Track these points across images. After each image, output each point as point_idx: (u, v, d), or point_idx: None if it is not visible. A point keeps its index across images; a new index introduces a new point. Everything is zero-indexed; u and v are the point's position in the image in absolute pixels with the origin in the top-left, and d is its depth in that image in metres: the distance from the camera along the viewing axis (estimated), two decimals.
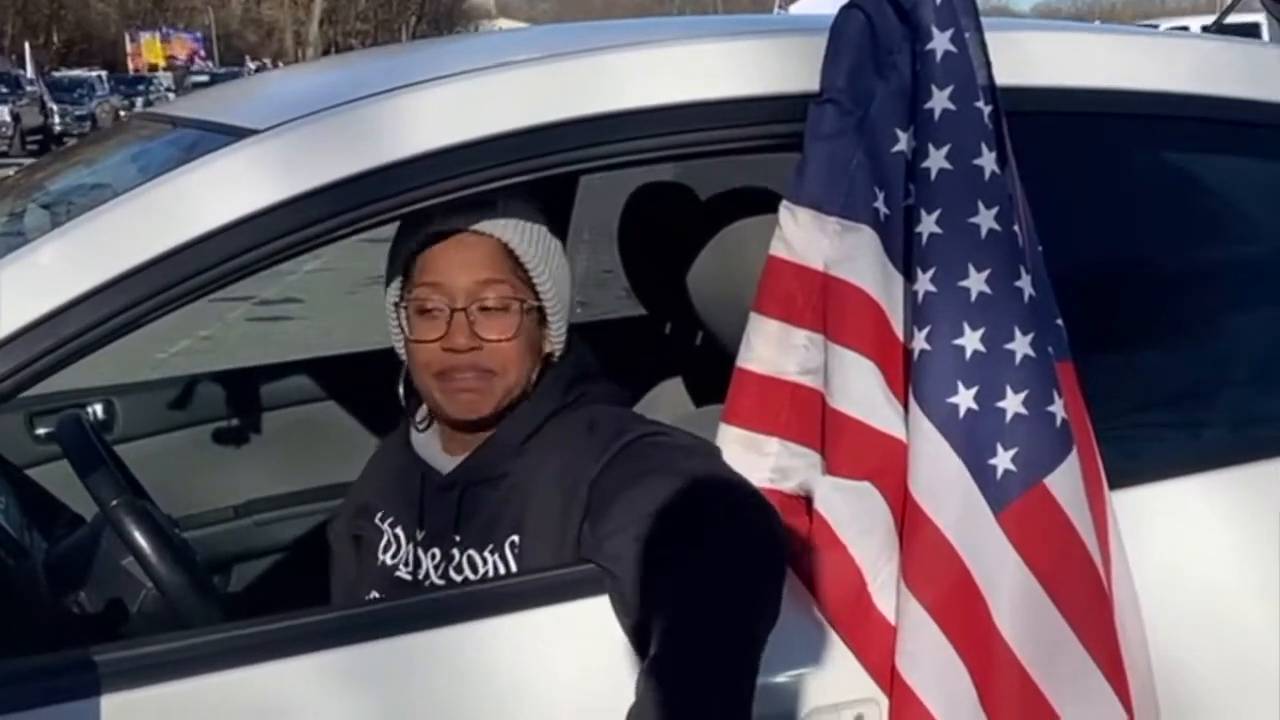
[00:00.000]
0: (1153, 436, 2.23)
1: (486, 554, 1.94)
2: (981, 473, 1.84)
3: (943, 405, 1.84)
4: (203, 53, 65.42)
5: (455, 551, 1.97)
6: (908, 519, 1.86)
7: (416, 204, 1.83)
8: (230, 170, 1.79)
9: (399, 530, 2.06)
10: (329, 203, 1.77)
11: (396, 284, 2.02)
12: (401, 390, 2.06)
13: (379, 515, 2.10)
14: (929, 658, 1.84)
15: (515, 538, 1.93)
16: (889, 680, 1.87)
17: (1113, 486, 1.99)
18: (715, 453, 1.92)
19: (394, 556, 2.05)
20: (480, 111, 1.87)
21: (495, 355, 1.96)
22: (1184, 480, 2.11)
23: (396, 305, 2.02)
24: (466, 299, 1.95)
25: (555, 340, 2.04)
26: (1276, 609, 2.09)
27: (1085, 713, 1.89)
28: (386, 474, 2.16)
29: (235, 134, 1.86)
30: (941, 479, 1.85)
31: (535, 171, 1.87)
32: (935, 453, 1.84)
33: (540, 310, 2.01)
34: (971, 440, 1.84)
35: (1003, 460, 1.85)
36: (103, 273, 1.69)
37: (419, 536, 2.02)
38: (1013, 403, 1.85)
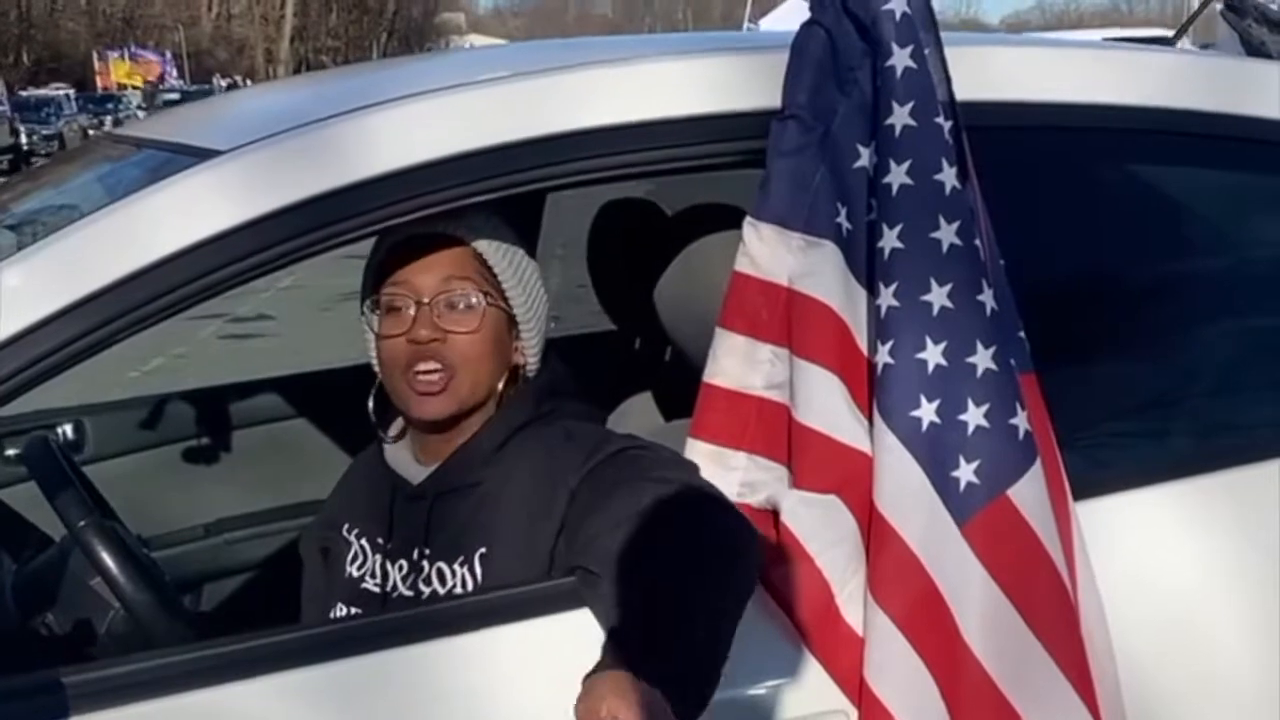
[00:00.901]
0: (1117, 446, 2.24)
1: (456, 566, 1.94)
2: (944, 485, 1.86)
3: (906, 418, 1.86)
4: (172, 71, 65.23)
5: (425, 563, 1.97)
6: (873, 532, 1.87)
7: (379, 224, 1.84)
8: (193, 192, 1.80)
9: (365, 542, 2.06)
10: (291, 223, 1.78)
11: (370, 288, 2.04)
12: (371, 403, 2.07)
13: (346, 527, 2.10)
14: (897, 669, 1.85)
15: (484, 549, 1.93)
16: (858, 691, 1.88)
17: (1078, 497, 2.00)
18: (694, 467, 1.93)
19: (360, 568, 2.05)
20: (445, 130, 1.88)
21: (458, 349, 1.97)
22: (1149, 490, 2.12)
23: (365, 307, 2.03)
24: (431, 293, 1.96)
25: (529, 354, 2.05)
26: (1242, 617, 2.10)
27: None
28: (357, 486, 2.16)
29: (199, 155, 1.87)
30: (906, 491, 1.86)
31: (499, 190, 1.88)
32: (899, 465, 1.86)
33: (510, 318, 2.02)
34: (934, 453, 1.86)
35: (965, 473, 1.86)
36: (70, 294, 1.69)
37: (387, 548, 2.03)
38: (975, 415, 1.87)
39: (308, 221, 1.79)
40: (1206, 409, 2.34)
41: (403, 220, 1.85)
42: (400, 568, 2.00)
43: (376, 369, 2.05)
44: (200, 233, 1.75)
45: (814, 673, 1.88)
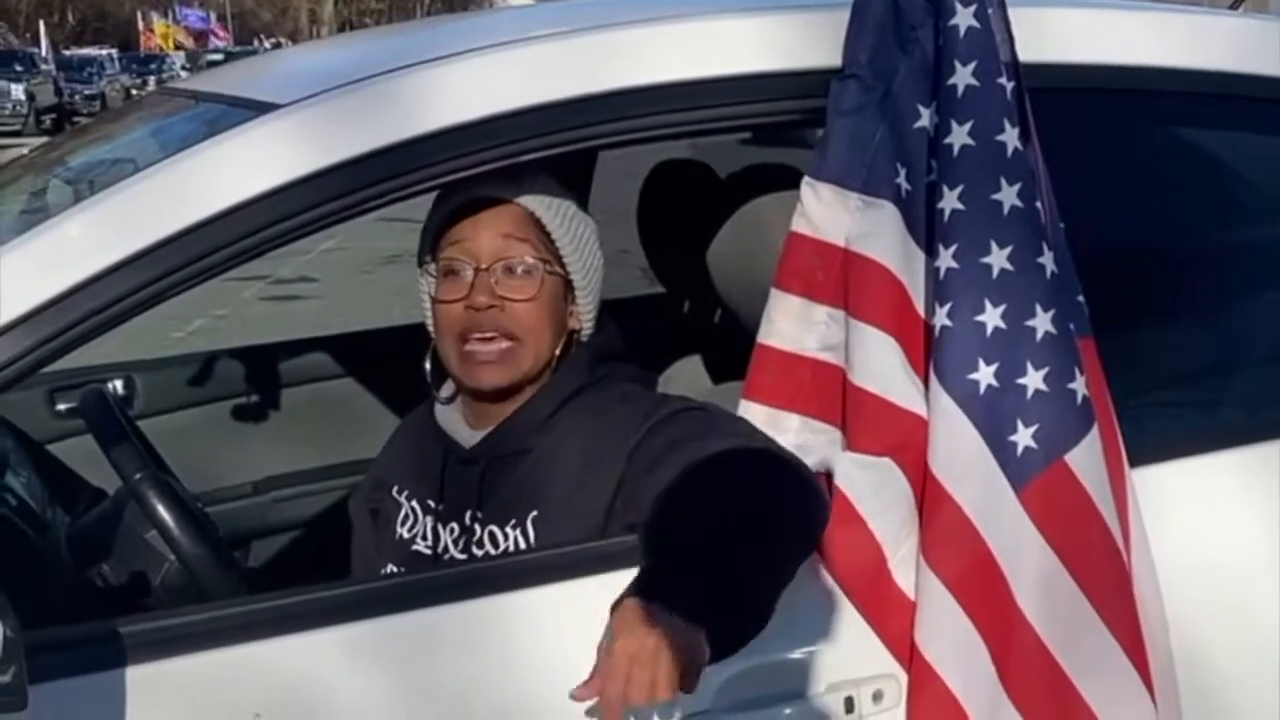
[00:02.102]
0: (1173, 413, 2.23)
1: (509, 529, 1.94)
2: (1002, 449, 1.85)
3: (963, 381, 1.84)
4: (221, 31, 65.24)
5: (476, 526, 1.97)
6: (928, 496, 1.86)
7: (438, 179, 1.83)
8: (253, 145, 1.79)
9: (416, 504, 2.06)
10: (352, 178, 1.77)
11: (427, 250, 2.04)
12: (429, 364, 2.06)
13: (396, 489, 2.10)
14: (948, 634, 1.85)
15: (536, 512, 1.93)
16: (909, 656, 1.87)
17: (1133, 464, 1.99)
18: (753, 425, 1.92)
19: (411, 530, 2.05)
20: (500, 87, 1.86)
21: (516, 318, 1.96)
22: (1204, 458, 2.10)
23: (423, 269, 2.03)
24: (490, 258, 1.96)
25: (585, 318, 2.04)
26: None
27: (1105, 689, 1.90)
28: (408, 448, 2.16)
29: (258, 108, 1.86)
30: (962, 456, 1.85)
31: (558, 146, 1.87)
32: (956, 429, 1.84)
33: (567, 282, 2.01)
34: (992, 417, 1.84)
35: (1023, 437, 1.85)
36: (130, 246, 1.69)
37: (439, 510, 2.03)
38: (1033, 380, 1.85)
39: (368, 176, 1.78)
40: (1264, 377, 2.32)
41: (462, 175, 1.84)
42: (452, 530, 2.00)
43: (431, 331, 2.04)
44: (261, 186, 1.74)
45: (865, 636, 1.87)
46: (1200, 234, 2.29)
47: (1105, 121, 2.18)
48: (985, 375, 1.85)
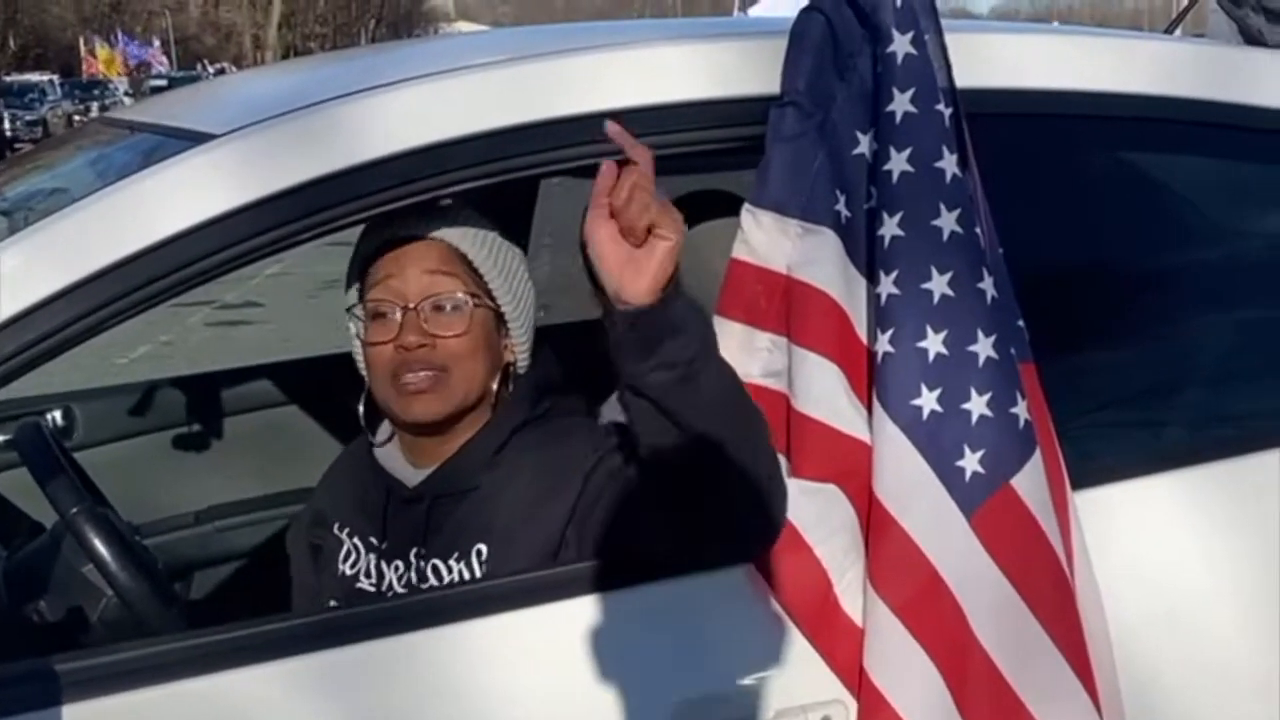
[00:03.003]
0: (1114, 436, 2.24)
1: (452, 562, 1.93)
2: (949, 475, 1.85)
3: (907, 408, 1.85)
4: (162, 59, 64.82)
5: (421, 563, 1.96)
6: (873, 522, 1.86)
7: (377, 208, 1.82)
8: (188, 175, 1.78)
9: (359, 541, 2.04)
10: (288, 208, 1.76)
11: (354, 293, 2.01)
12: (361, 409, 2.05)
13: (337, 526, 2.08)
14: (897, 659, 1.85)
15: (482, 546, 1.92)
16: (856, 681, 1.87)
17: (1075, 486, 2.00)
18: None
19: (354, 567, 2.04)
20: (441, 115, 1.86)
21: (446, 353, 1.94)
22: (1145, 480, 2.11)
23: (351, 312, 2.01)
24: (417, 297, 1.94)
25: (519, 349, 2.03)
26: (1238, 607, 2.11)
27: (1057, 711, 1.91)
28: (347, 485, 2.14)
29: (193, 139, 1.85)
30: (908, 482, 1.85)
31: (496, 175, 1.87)
32: (901, 456, 1.85)
33: (498, 315, 2.00)
34: (937, 443, 1.85)
35: (970, 462, 1.86)
36: (66, 277, 1.68)
37: (382, 548, 2.01)
38: (977, 405, 1.86)
39: (308, 204, 1.77)
40: (1203, 399, 2.34)
41: (401, 204, 1.83)
42: (396, 568, 1.99)
43: (364, 374, 2.03)
44: (199, 215, 1.73)
45: (812, 663, 1.87)
46: (1137, 256, 2.31)
47: (1041, 146, 2.20)
48: (928, 401, 1.85)
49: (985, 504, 1.86)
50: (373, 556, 2.02)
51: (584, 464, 1.90)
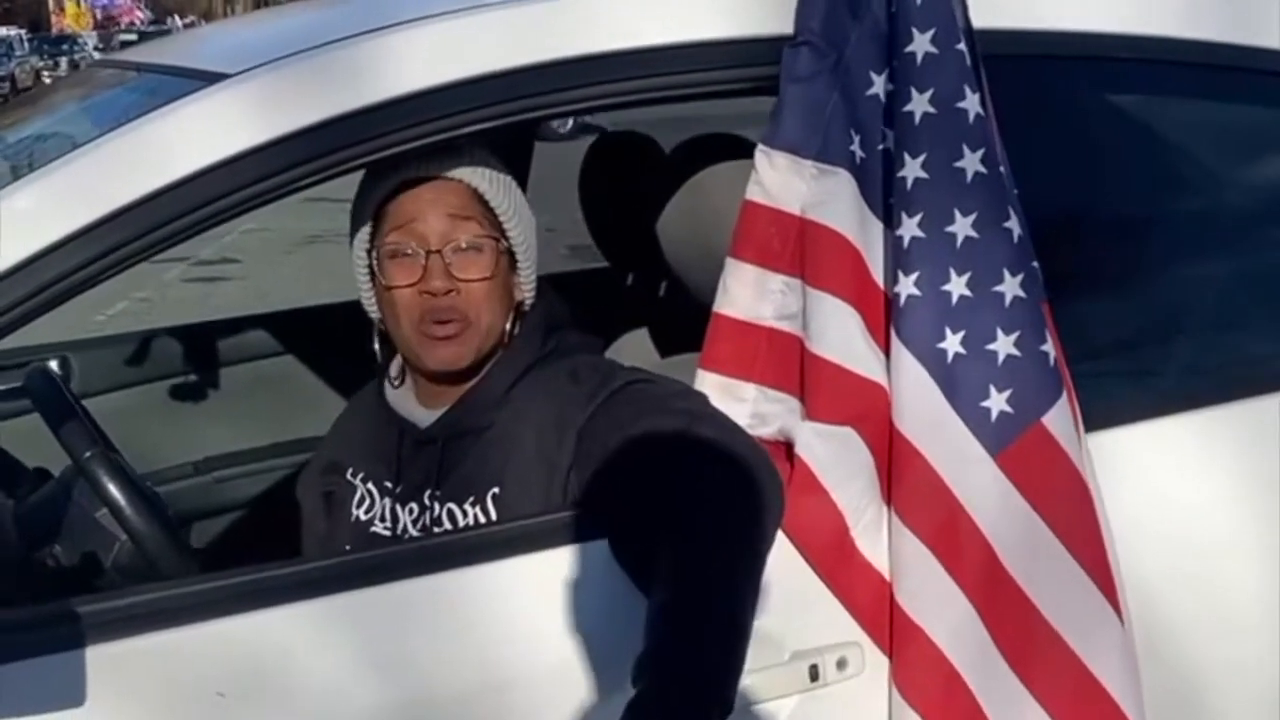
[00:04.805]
0: (1123, 379, 2.24)
1: (467, 506, 1.92)
2: (974, 415, 1.85)
3: (931, 350, 1.85)
4: (137, 14, 64.15)
5: (435, 505, 1.95)
6: (896, 456, 1.86)
7: (398, 146, 1.80)
8: (208, 114, 1.76)
9: (372, 485, 2.04)
10: (310, 146, 1.75)
11: (365, 233, 1.99)
12: (376, 345, 2.04)
13: (350, 471, 2.08)
14: (929, 589, 1.86)
15: (496, 489, 1.91)
16: (873, 623, 1.88)
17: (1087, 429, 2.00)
18: (703, 397, 1.91)
19: (368, 512, 2.03)
20: (462, 53, 1.84)
21: (473, 299, 1.93)
22: (1152, 423, 2.12)
23: (367, 253, 1.99)
24: (440, 240, 1.92)
25: (526, 288, 2.02)
26: (1245, 549, 2.11)
27: (1091, 639, 1.92)
28: (358, 429, 2.13)
29: (207, 78, 1.83)
30: (931, 423, 1.85)
31: (518, 114, 1.86)
32: (926, 397, 1.85)
33: (511, 255, 1.99)
34: (961, 384, 1.85)
35: (997, 402, 1.86)
36: (81, 218, 1.66)
37: (396, 491, 2.00)
38: (1004, 345, 1.86)
39: (329, 142, 1.75)
40: (1210, 343, 2.34)
41: (424, 143, 1.81)
42: (410, 511, 1.98)
43: (374, 315, 2.01)
44: (219, 154, 1.71)
45: (829, 604, 1.87)
46: (1147, 203, 2.30)
47: (1049, 88, 2.19)
48: (953, 343, 1.85)
49: (1016, 442, 1.86)
50: (387, 500, 2.01)
51: (576, 422, 1.88)
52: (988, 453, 1.85)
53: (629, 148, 2.85)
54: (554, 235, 2.95)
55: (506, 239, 1.98)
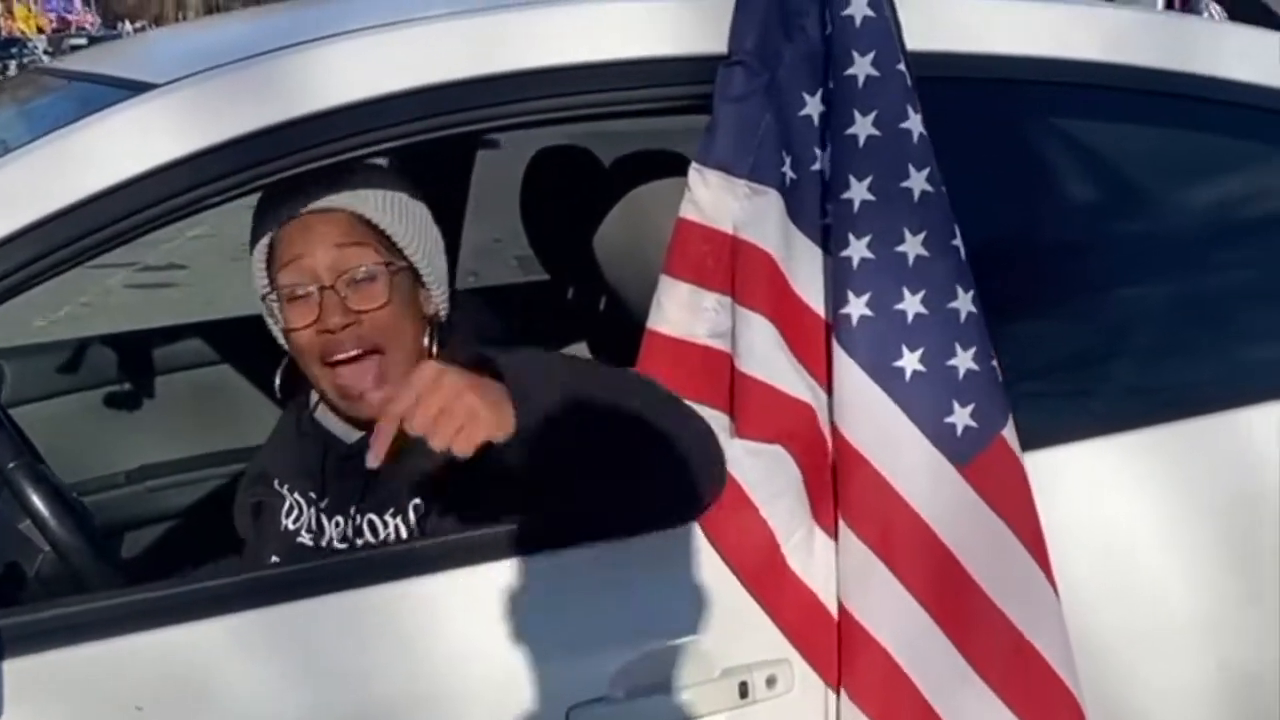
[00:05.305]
0: (1057, 400, 2.25)
1: (388, 517, 1.92)
2: (938, 431, 1.87)
3: (887, 369, 1.86)
4: (89, 19, 63.61)
5: (358, 517, 1.94)
6: (842, 465, 1.87)
7: (322, 160, 1.79)
8: (130, 124, 1.75)
9: (299, 497, 2.03)
10: (233, 158, 1.73)
11: (262, 275, 1.97)
12: (278, 380, 2.02)
13: (278, 482, 2.07)
14: (880, 596, 1.87)
15: (418, 501, 1.91)
16: (803, 640, 1.88)
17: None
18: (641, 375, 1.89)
19: (296, 522, 2.03)
20: (390, 67, 1.84)
21: (376, 327, 1.91)
22: (1082, 444, 2.13)
23: (264, 299, 1.97)
24: (331, 274, 1.90)
25: (439, 300, 2.01)
26: (1175, 568, 2.13)
27: (1058, 645, 1.93)
28: (287, 442, 2.13)
29: (134, 88, 1.82)
30: (885, 438, 1.86)
31: (443, 129, 1.85)
32: (881, 415, 1.86)
33: (413, 271, 1.97)
34: (921, 401, 1.86)
35: (961, 417, 1.87)
36: (4, 227, 1.64)
37: (323, 505, 2.00)
38: (963, 360, 1.88)
39: (253, 154, 1.74)
40: (1143, 365, 2.36)
41: (348, 156, 1.80)
42: (336, 524, 1.97)
43: (287, 350, 1.99)
44: (141, 165, 1.70)
45: (759, 621, 1.87)
46: (1082, 224, 2.32)
47: (984, 110, 2.20)
48: (910, 361, 1.86)
49: (981, 454, 1.88)
50: (313, 511, 2.01)
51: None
52: (953, 465, 1.87)
53: (568, 161, 2.85)
54: (501, 245, 2.96)
55: (405, 259, 1.96)
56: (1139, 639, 2.10)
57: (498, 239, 2.88)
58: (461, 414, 1.56)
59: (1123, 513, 2.11)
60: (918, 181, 1.87)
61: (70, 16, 62.07)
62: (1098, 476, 2.11)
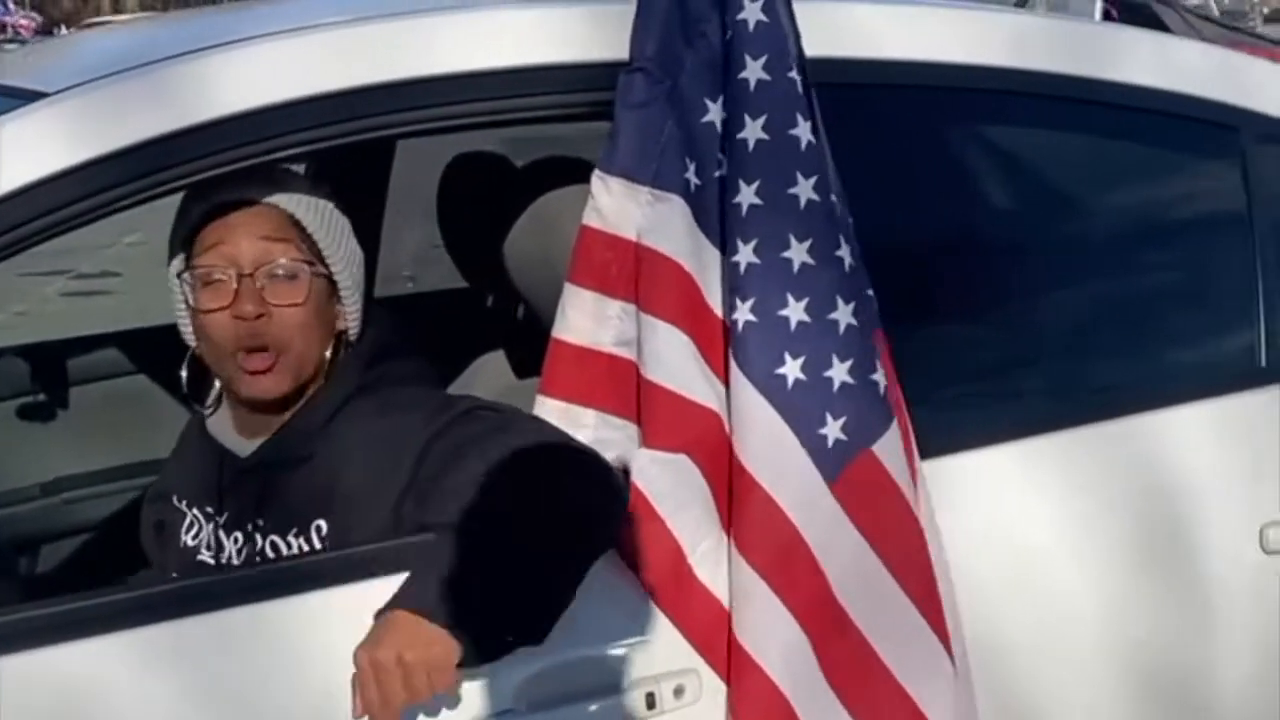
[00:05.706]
0: (967, 405, 2.26)
1: (290, 538, 1.89)
2: (813, 442, 1.86)
3: (770, 376, 1.85)
4: (23, 22, 62.94)
5: (258, 536, 1.92)
6: (736, 486, 1.86)
7: (213, 170, 1.77)
8: (17, 134, 1.72)
9: (198, 512, 2.01)
10: (124, 168, 1.71)
11: (180, 259, 1.95)
12: (185, 374, 2.00)
13: (176, 497, 2.05)
14: (763, 621, 1.86)
15: (321, 522, 1.88)
16: (710, 650, 1.88)
17: (930, 455, 2.02)
18: (545, 422, 1.90)
19: (196, 538, 2.00)
20: (288, 74, 1.82)
21: (285, 325, 1.89)
22: (997, 449, 2.14)
23: (180, 277, 1.95)
24: (252, 264, 1.88)
25: (351, 317, 1.99)
26: (1083, 573, 2.14)
27: (915, 667, 1.93)
28: (186, 456, 2.10)
29: (25, 97, 1.79)
30: (772, 449, 1.86)
31: (344, 136, 1.84)
32: (765, 423, 1.85)
33: (330, 282, 1.96)
34: (800, 410, 1.86)
35: (833, 429, 1.87)
36: None
37: (221, 520, 1.97)
38: (839, 372, 1.87)
39: (139, 167, 1.72)
40: (1054, 369, 2.37)
41: (244, 165, 1.78)
42: (235, 540, 1.95)
43: (191, 343, 1.97)
44: (28, 175, 1.67)
45: (666, 633, 1.87)
46: (992, 228, 2.33)
47: (893, 117, 2.20)
48: (792, 369, 1.86)
49: (847, 470, 1.87)
50: (211, 527, 1.98)
51: (415, 443, 1.84)
52: (824, 480, 1.87)
53: (482, 167, 2.83)
54: (440, 251, 2.93)
55: (326, 267, 1.94)
56: (1044, 640, 2.12)
57: (436, 245, 2.84)
58: (401, 681, 1.65)
59: (1028, 516, 2.11)
60: (804, 189, 1.87)
61: (5, 19, 61.39)
62: (1005, 480, 2.12)
